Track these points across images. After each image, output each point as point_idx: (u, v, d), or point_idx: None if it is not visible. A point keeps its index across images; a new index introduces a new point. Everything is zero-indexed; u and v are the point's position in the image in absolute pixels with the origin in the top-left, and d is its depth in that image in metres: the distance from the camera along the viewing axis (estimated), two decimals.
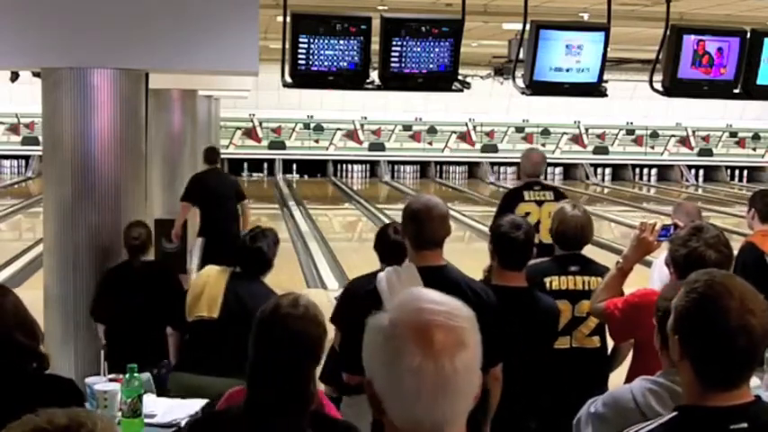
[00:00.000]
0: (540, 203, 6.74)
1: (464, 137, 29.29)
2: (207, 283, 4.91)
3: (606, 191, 27.43)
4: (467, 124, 29.13)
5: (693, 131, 30.10)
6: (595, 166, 29.82)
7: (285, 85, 6.15)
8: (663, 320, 2.97)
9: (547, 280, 4.45)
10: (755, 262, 5.41)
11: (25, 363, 3.03)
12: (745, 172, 30.20)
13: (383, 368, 1.53)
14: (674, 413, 2.14)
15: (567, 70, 6.59)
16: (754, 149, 30.46)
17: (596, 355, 4.45)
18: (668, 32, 6.61)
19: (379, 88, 6.34)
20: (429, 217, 3.71)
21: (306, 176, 28.11)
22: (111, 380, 4.22)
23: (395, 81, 6.26)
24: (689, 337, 2.13)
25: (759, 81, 6.78)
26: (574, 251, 4.59)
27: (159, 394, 4.51)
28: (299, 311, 2.68)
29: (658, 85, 6.69)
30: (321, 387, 3.54)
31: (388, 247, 4.76)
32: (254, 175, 27.98)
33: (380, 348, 1.53)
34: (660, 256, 4.27)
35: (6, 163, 27.17)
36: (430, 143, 29.15)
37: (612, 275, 4.01)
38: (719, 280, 2.13)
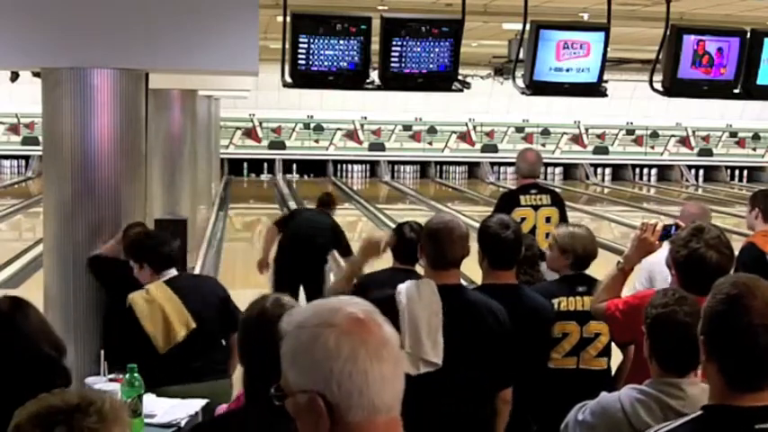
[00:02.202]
0: (536, 208, 6.67)
1: (464, 137, 29.30)
2: (163, 308, 4.72)
3: (606, 191, 27.44)
4: (467, 124, 29.14)
5: (693, 131, 30.12)
6: (595, 166, 29.82)
7: (285, 85, 6.14)
8: (651, 328, 2.98)
9: (555, 301, 4.40)
10: (756, 262, 5.40)
11: (52, 377, 2.94)
12: (745, 172, 30.21)
13: (343, 370, 1.58)
14: (700, 412, 2.16)
15: (567, 70, 6.59)
16: (754, 149, 30.47)
17: (602, 376, 4.42)
18: (668, 32, 6.61)
19: (379, 88, 6.33)
20: (449, 239, 3.67)
21: (306, 176, 28.11)
22: (111, 380, 4.22)
23: (395, 81, 6.26)
24: (713, 336, 2.15)
25: (759, 81, 6.77)
26: (580, 271, 4.56)
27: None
28: (286, 311, 2.68)
29: (658, 85, 6.68)
30: None
31: (404, 244, 4.76)
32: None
33: (331, 354, 1.58)
34: (649, 258, 4.27)
35: (6, 163, 27.19)
36: (430, 143, 29.15)
37: (613, 276, 4.00)
38: (743, 281, 2.17)
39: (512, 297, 4.00)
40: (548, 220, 6.66)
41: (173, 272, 4.92)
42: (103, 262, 5.61)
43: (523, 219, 6.50)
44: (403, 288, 3.47)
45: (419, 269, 4.28)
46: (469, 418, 3.61)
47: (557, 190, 7.43)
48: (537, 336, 4.21)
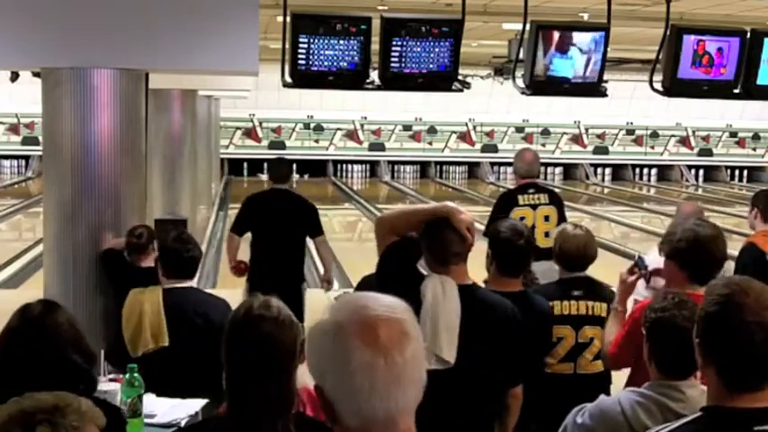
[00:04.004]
0: (534, 207, 6.68)
1: (464, 137, 29.29)
2: (142, 312, 4.57)
3: (606, 191, 27.44)
4: (467, 124, 29.13)
5: (693, 131, 30.11)
6: (595, 166, 29.82)
7: (285, 85, 6.15)
8: (650, 332, 2.98)
9: (549, 305, 4.38)
10: (756, 262, 5.40)
11: (76, 384, 2.90)
12: (745, 172, 30.21)
13: (334, 370, 1.57)
14: (699, 413, 2.15)
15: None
16: (754, 149, 30.46)
17: (600, 378, 4.40)
18: (668, 32, 6.61)
19: (379, 88, 6.33)
20: (448, 230, 3.49)
21: (305, 176, 28.12)
22: (111, 380, 4.22)
23: (395, 81, 6.26)
24: (708, 338, 2.15)
25: (759, 81, 6.77)
26: (577, 273, 4.52)
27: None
28: (273, 313, 2.65)
29: (658, 85, 6.69)
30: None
31: None
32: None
33: (329, 351, 1.57)
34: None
35: (6, 163, 27.19)
36: (430, 143, 29.15)
37: (613, 319, 4.02)
38: (735, 281, 2.18)
39: (522, 304, 3.97)
40: (546, 218, 6.68)
41: (181, 283, 4.72)
42: (114, 257, 5.63)
43: (522, 218, 6.52)
44: (429, 283, 3.42)
45: None
46: (478, 415, 3.62)
47: (555, 189, 7.45)
48: (543, 339, 4.23)
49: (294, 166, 28.10)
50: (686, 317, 2.91)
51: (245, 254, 7.44)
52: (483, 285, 4.16)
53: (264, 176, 27.93)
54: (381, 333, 1.57)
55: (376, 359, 1.55)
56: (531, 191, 6.74)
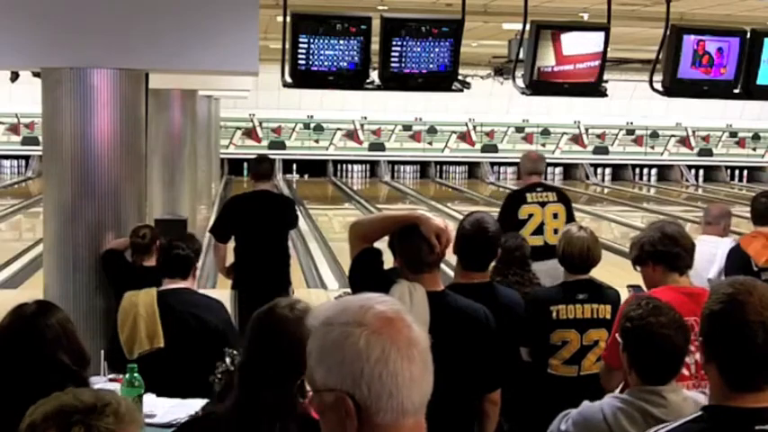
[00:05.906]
0: (542, 205, 6.71)
1: (464, 137, 29.29)
2: (136, 315, 4.56)
3: (606, 191, 27.43)
4: (467, 124, 29.13)
5: (693, 131, 30.11)
6: (595, 166, 29.82)
7: (285, 85, 6.15)
8: (628, 340, 2.97)
9: (553, 309, 4.36)
10: (742, 264, 5.41)
11: (64, 385, 2.92)
12: (745, 172, 30.21)
13: (373, 374, 1.55)
14: (700, 412, 2.15)
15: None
16: (754, 149, 30.46)
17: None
18: (668, 32, 6.61)
19: (379, 88, 6.34)
20: (420, 238, 3.42)
21: (306, 176, 28.13)
22: (111, 380, 4.22)
23: (395, 81, 6.26)
24: (711, 336, 2.15)
25: (759, 81, 6.78)
26: (582, 275, 4.48)
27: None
28: (295, 315, 2.65)
29: (658, 85, 6.69)
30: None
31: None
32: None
33: (363, 358, 1.55)
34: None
35: (6, 163, 27.19)
36: (430, 143, 29.15)
37: None
38: (740, 281, 2.18)
39: (487, 296, 3.89)
40: (555, 216, 6.72)
41: (177, 284, 4.72)
42: (114, 258, 5.64)
43: (531, 215, 6.58)
44: (397, 289, 3.35)
45: None
46: (454, 420, 3.58)
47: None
48: (512, 327, 4.11)
49: (294, 166, 28.24)
50: (663, 323, 2.89)
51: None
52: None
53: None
54: (399, 325, 1.59)
55: (411, 349, 1.57)
56: (538, 189, 6.81)
